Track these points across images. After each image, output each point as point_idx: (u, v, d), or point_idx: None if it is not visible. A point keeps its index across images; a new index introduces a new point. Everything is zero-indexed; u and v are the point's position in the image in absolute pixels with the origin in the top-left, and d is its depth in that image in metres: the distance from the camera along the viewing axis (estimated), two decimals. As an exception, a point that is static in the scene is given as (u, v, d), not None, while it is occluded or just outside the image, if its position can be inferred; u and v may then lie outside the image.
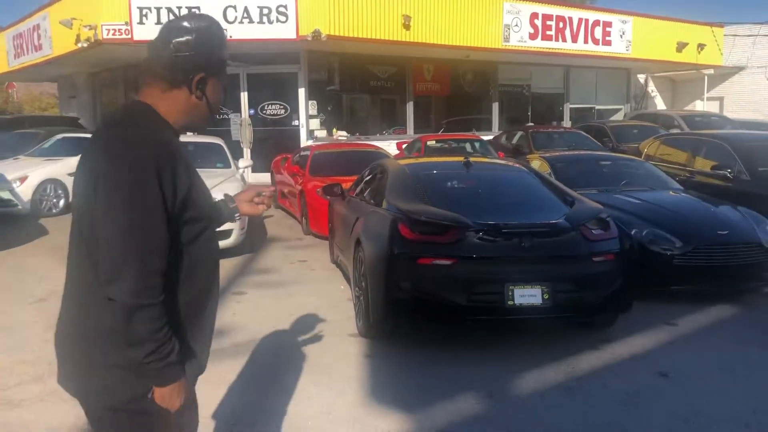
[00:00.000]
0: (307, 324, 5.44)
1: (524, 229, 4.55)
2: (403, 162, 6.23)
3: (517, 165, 6.26)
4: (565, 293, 4.52)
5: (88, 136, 11.17)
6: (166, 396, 1.81)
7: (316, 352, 4.81)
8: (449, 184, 5.49)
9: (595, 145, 13.75)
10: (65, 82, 23.37)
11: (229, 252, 7.81)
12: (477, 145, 13.41)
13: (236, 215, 2.38)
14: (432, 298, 4.50)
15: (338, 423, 3.70)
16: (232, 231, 7.70)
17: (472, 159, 5.88)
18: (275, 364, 4.57)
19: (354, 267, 5.48)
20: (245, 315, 5.72)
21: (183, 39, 1.86)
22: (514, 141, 14.35)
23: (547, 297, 4.45)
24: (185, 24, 1.89)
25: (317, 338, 5.11)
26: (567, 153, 9.75)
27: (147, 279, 1.72)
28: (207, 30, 1.91)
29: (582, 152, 10.25)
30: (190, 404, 1.99)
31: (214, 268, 1.99)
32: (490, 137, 15.82)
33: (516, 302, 4.41)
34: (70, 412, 3.79)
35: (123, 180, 1.71)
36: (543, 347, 4.86)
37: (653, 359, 4.70)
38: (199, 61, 1.89)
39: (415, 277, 4.50)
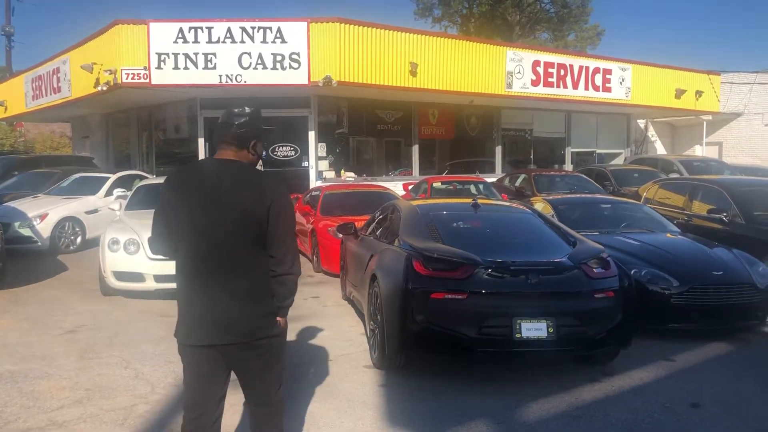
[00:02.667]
0: (324, 356, 5.75)
1: (530, 266, 4.90)
2: (414, 203, 6.62)
3: (522, 207, 6.65)
4: (569, 327, 4.84)
5: (104, 175, 11.54)
6: None
7: (335, 382, 5.11)
8: (459, 223, 5.87)
9: (596, 188, 14.17)
10: (78, 122, 24.04)
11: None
12: (481, 187, 13.84)
13: None
14: (444, 330, 4.82)
15: (359, 444, 4.00)
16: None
17: (480, 201, 6.27)
18: (297, 392, 4.87)
19: (369, 301, 5.80)
20: (264, 347, 6.01)
21: (242, 121, 3.03)
22: (517, 183, 14.78)
23: (551, 331, 4.77)
24: (240, 112, 3.06)
25: (335, 369, 5.41)
26: (569, 196, 10.16)
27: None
28: (254, 113, 3.09)
29: (583, 195, 10.65)
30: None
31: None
32: (493, 179, 16.28)
33: (523, 335, 4.74)
34: (113, 431, 4.10)
35: None
36: (548, 379, 5.16)
37: (651, 391, 5.00)
38: (253, 133, 3.07)
39: (429, 310, 4.84)
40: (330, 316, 7.25)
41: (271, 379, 3.11)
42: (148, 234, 7.85)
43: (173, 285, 7.88)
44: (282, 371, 3.19)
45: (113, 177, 13.42)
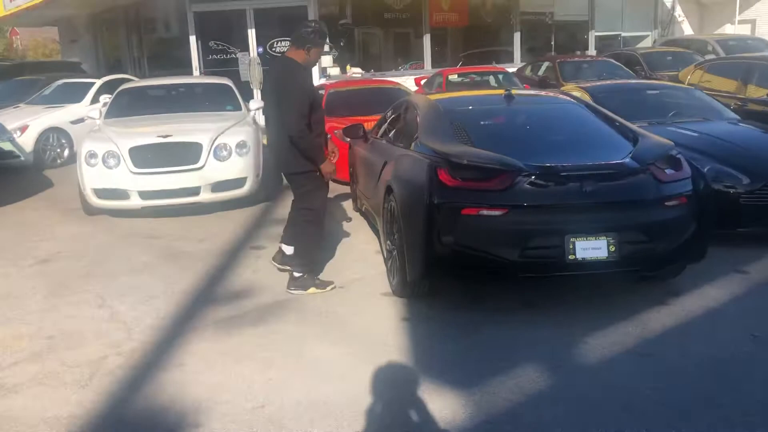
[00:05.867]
0: (337, 282, 4.88)
1: (586, 170, 3.90)
2: (433, 97, 5.52)
3: (564, 96, 5.53)
4: (634, 244, 3.90)
5: (89, 81, 10.43)
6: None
7: (348, 316, 4.27)
8: (490, 120, 4.81)
9: (627, 73, 12.85)
10: (65, 26, 22.49)
11: (244, 201, 7.24)
12: (500, 77, 12.61)
13: None
14: (479, 254, 3.89)
15: (380, 406, 3.16)
16: (247, 179, 7.10)
17: (513, 91, 5.15)
18: (303, 331, 4.03)
19: (384, 218, 4.88)
20: (266, 272, 5.17)
21: (305, 29, 4.55)
22: (540, 72, 13.46)
23: (613, 249, 3.84)
24: (308, 22, 4.65)
25: (347, 298, 4.57)
26: (609, 82, 8.93)
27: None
28: (317, 27, 4.60)
29: (624, 81, 9.43)
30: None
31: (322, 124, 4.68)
32: (513, 70, 14.91)
33: (578, 256, 3.81)
34: (70, 398, 3.30)
35: None
36: (604, 305, 4.27)
37: (731, 315, 4.12)
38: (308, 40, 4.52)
39: (459, 230, 3.89)
40: (340, 232, 6.36)
41: (303, 197, 4.69)
42: (130, 144, 6.94)
43: (161, 201, 6.88)
44: (311, 198, 4.67)
45: (99, 82, 12.26)
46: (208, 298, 4.67)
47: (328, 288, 4.70)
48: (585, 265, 3.84)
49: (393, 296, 4.56)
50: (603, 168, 3.96)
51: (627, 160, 4.04)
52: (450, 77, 12.28)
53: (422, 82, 13.40)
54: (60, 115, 11.20)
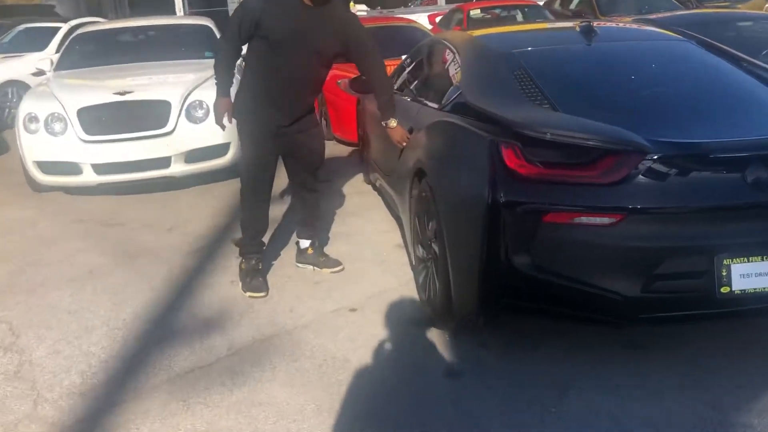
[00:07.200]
0: (345, 301, 3.50)
1: (746, 150, 2.42)
2: (475, 34, 3.98)
3: (665, 32, 3.96)
4: (819, 266, 2.47)
5: (55, 25, 8.78)
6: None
7: (365, 366, 2.87)
8: (571, 68, 3.27)
9: (674, 5, 11.19)
10: (41, -35, 20.55)
11: (226, 173, 5.79)
12: (526, 10, 11.02)
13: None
14: (573, 284, 2.47)
15: None
16: (230, 145, 5.62)
17: (594, 24, 3.60)
18: (297, 399, 2.64)
19: (411, 209, 3.45)
20: (248, 283, 3.78)
21: None
22: (573, 6, 11.77)
23: (787, 276, 2.41)
24: None
25: (363, 333, 3.16)
26: (680, 13, 7.32)
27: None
28: None
29: (701, 11, 7.80)
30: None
31: (278, 70, 3.40)
32: (540, 3, 13.16)
33: (734, 288, 2.38)
34: None
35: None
36: (756, 352, 2.85)
37: None
38: None
39: (540, 247, 2.46)
40: (348, 215, 4.94)
41: None
42: (79, 104, 5.17)
43: (121, 177, 5.27)
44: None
45: (65, 27, 10.66)
46: (165, 332, 3.28)
47: (260, 295, 3.58)
48: (745, 300, 2.41)
49: (429, 325, 3.17)
50: (771, 144, 2.48)
51: (805, 129, 2.57)
52: (471, 13, 10.61)
53: (437, 19, 11.72)
54: (19, 66, 9.70)
